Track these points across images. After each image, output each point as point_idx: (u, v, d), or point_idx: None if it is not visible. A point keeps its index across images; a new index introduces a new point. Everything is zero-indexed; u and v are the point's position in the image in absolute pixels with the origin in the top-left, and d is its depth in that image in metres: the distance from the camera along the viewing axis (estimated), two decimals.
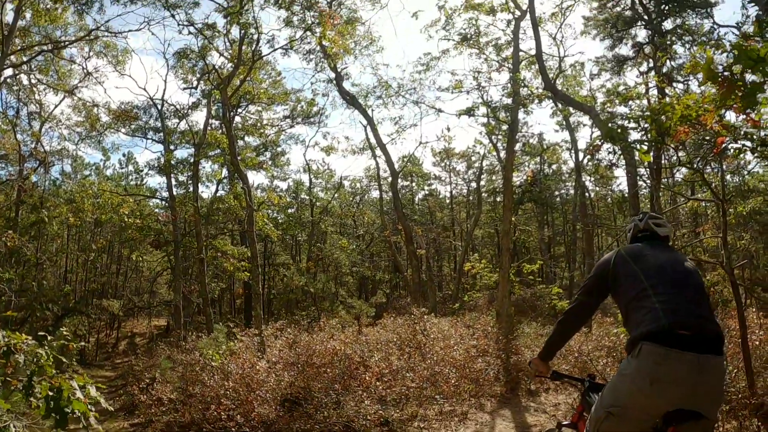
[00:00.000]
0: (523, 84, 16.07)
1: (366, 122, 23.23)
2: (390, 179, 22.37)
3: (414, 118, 33.23)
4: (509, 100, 17.76)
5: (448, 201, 46.78)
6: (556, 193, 44.55)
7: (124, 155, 38.03)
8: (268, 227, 20.49)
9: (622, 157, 11.37)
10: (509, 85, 18.65)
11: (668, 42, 21.78)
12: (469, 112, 17.46)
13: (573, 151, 26.57)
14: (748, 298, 16.55)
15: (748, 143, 6.04)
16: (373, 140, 23.64)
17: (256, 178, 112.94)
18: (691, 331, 3.06)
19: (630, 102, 11.29)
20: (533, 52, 16.31)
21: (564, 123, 31.36)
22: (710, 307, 3.32)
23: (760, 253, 23.37)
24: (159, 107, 25.87)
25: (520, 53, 17.65)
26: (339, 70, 21.79)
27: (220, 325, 16.57)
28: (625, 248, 3.67)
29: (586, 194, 44.04)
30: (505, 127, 17.32)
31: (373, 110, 23.98)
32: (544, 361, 4.01)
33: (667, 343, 3.03)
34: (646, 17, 22.57)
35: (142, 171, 36.59)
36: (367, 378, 9.48)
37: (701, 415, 3.00)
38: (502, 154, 21.50)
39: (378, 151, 24.84)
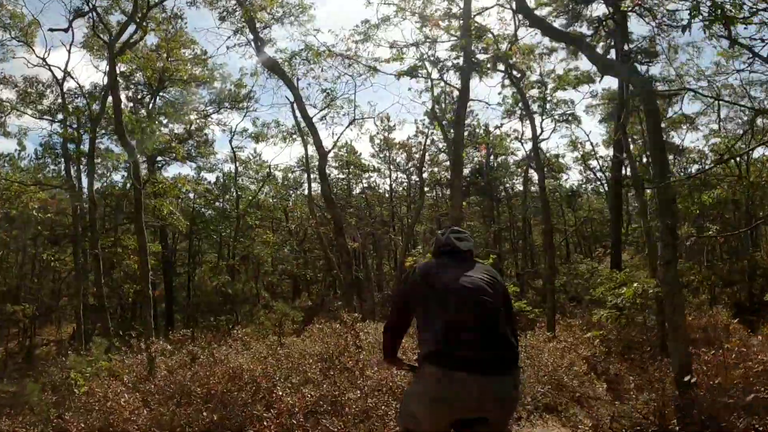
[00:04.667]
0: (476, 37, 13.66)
1: (292, 98, 20.61)
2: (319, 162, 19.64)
3: (346, 88, 29.54)
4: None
5: (387, 195, 44.33)
6: (499, 187, 42.87)
7: (41, 144, 34.17)
8: (175, 217, 17.53)
9: None
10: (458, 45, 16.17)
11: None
12: (412, 72, 15.04)
13: (529, 122, 24.30)
14: None
15: None
16: (300, 117, 21.01)
17: (182, 170, 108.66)
18: (472, 352, 3.28)
19: None
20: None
21: (518, 98, 29.35)
22: (502, 325, 3.45)
23: None
24: (60, 80, 22.95)
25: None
26: (259, 31, 18.93)
27: (99, 339, 13.60)
28: (420, 266, 3.93)
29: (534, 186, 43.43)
30: (455, 94, 14.87)
31: (299, 80, 21.13)
32: (392, 359, 4.08)
33: (446, 365, 3.29)
34: None
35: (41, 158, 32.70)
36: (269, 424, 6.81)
37: (487, 419, 3.34)
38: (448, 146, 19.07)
39: (308, 134, 22.32)
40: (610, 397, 10.20)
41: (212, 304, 23.02)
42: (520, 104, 32.40)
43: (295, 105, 20.96)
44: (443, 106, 24.12)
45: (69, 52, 22.40)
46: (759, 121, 30.27)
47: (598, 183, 43.14)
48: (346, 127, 24.68)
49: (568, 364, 10.72)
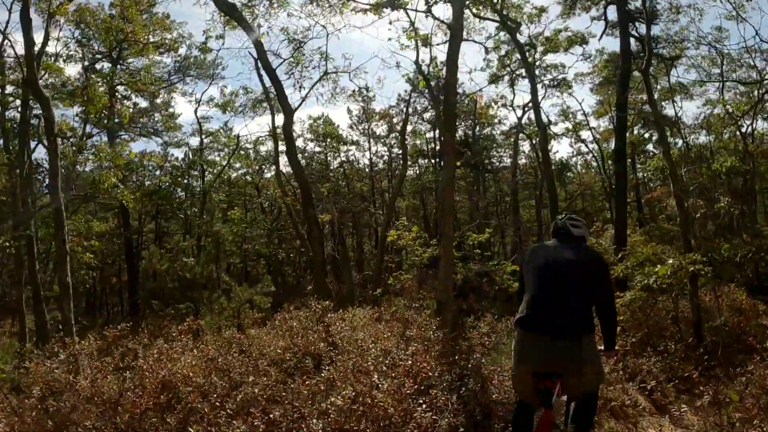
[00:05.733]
0: None
1: (256, 54, 18.31)
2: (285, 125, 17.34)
3: (315, 32, 26.24)
4: None
5: (368, 170, 42.22)
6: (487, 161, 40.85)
7: None
8: (119, 190, 15.20)
9: None
10: None
11: None
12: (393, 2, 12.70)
13: (529, 79, 22.16)
14: None
15: None
16: (262, 70, 18.67)
17: (148, 145, 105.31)
18: (546, 319, 4.25)
19: None
20: None
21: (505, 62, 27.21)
22: (578, 300, 4.32)
23: None
24: None
25: None
26: None
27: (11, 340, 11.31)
28: (533, 246, 5.15)
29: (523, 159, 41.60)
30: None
31: (260, 26, 18.69)
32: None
33: (527, 328, 4.37)
34: None
35: None
36: None
37: (562, 375, 4.21)
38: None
39: (274, 98, 19.96)
40: (651, 405, 8.35)
41: (171, 290, 20.75)
42: (508, 68, 30.62)
43: (259, 62, 18.74)
44: (430, 69, 21.81)
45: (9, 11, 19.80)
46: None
47: (590, 155, 41.49)
48: (317, 81, 22.02)
49: None
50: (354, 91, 23.75)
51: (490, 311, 13.57)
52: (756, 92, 26.52)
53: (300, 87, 21.45)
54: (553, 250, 4.64)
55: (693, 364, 9.88)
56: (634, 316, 11.57)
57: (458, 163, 36.75)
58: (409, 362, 7.02)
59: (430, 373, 6.81)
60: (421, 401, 5.92)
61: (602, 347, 4.74)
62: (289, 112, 17.18)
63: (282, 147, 24.00)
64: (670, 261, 10.58)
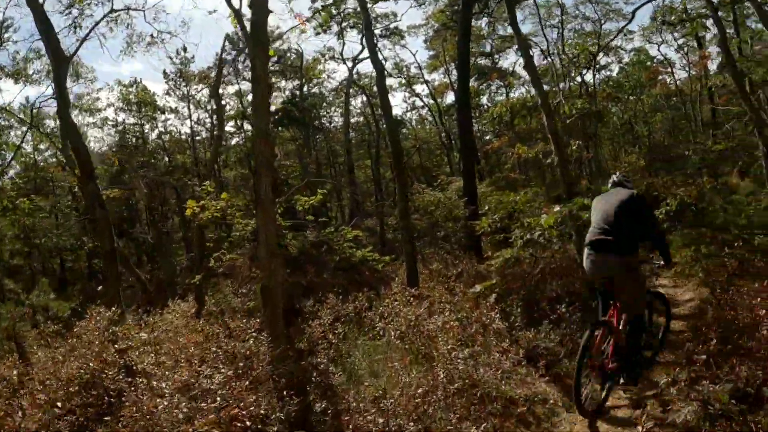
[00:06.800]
0: None
1: None
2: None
3: None
4: None
5: (189, 140, 38.39)
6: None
7: None
8: None
9: None
10: None
11: None
12: None
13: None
14: None
15: None
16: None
17: None
18: (595, 239, 5.90)
19: None
20: None
21: (332, 13, 24.52)
22: (619, 227, 5.79)
23: None
24: None
25: None
26: None
27: None
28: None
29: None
30: None
31: None
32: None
33: (588, 246, 5.99)
34: None
35: None
36: None
37: (613, 278, 5.87)
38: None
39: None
40: (564, 396, 6.35)
41: None
42: (337, 17, 28.10)
43: None
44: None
45: None
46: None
47: (426, 110, 40.24)
48: (101, 20, 17.46)
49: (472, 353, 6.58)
50: (153, 35, 19.79)
51: (333, 289, 11.15)
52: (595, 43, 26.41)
53: (76, 27, 16.73)
54: (605, 195, 6.32)
55: None
56: (515, 278, 9.54)
57: (284, 122, 34.08)
58: (218, 399, 4.32)
59: (254, 411, 4.13)
60: None
61: (662, 262, 6.24)
62: (62, 58, 13.45)
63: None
64: (557, 208, 8.54)
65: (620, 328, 5.84)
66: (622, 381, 5.88)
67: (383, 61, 27.16)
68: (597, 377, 5.87)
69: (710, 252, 10.72)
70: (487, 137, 39.07)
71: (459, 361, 6.08)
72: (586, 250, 6.02)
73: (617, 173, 6.66)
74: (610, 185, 6.49)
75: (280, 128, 35.25)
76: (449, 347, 6.46)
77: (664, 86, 35.09)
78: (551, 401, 6.25)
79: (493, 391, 5.90)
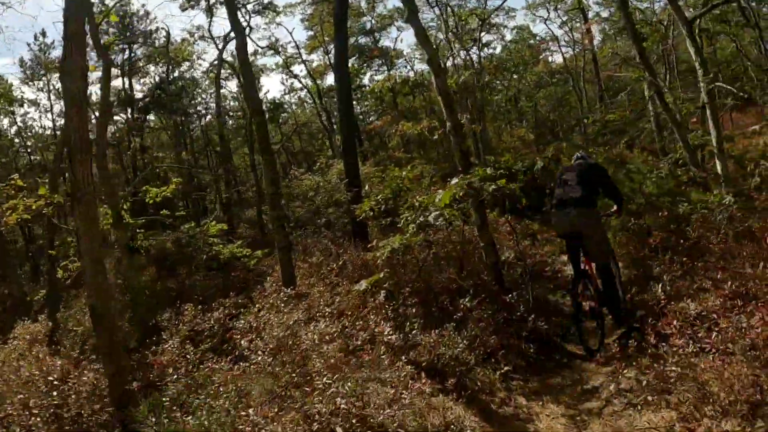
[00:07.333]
0: None
1: None
2: None
3: None
4: None
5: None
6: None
7: None
8: None
9: None
10: None
11: None
12: None
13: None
14: None
15: None
16: None
17: None
18: (560, 200, 6.81)
19: None
20: None
21: None
22: (578, 190, 6.66)
23: None
24: None
25: None
26: None
27: None
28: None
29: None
30: None
31: None
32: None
33: (559, 206, 6.82)
34: None
35: None
36: None
37: (580, 231, 6.64)
38: None
39: None
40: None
41: None
42: None
43: None
44: None
45: None
46: None
47: (305, 91, 38.23)
48: None
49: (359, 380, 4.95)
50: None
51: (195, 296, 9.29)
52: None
53: None
54: (569, 168, 7.17)
55: (510, 331, 6.50)
56: (408, 268, 7.97)
57: (152, 106, 31.20)
58: None
59: None
60: None
61: (614, 208, 7.23)
62: None
63: None
64: (455, 180, 6.95)
65: (594, 274, 6.71)
66: (611, 320, 6.72)
67: (246, 26, 25.24)
68: (591, 320, 6.69)
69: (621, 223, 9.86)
70: (371, 118, 37.62)
71: (340, 399, 4.37)
72: (553, 211, 6.96)
73: (580, 152, 7.72)
74: (574, 160, 7.41)
75: (149, 117, 32.49)
76: (326, 378, 4.74)
77: (547, 63, 34.95)
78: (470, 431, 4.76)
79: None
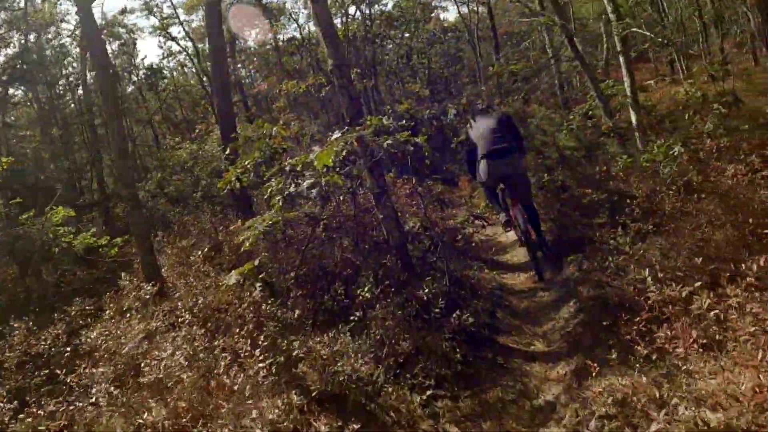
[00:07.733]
0: None
1: None
2: None
3: None
4: None
5: None
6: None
7: None
8: None
9: None
10: None
11: None
12: None
13: None
14: None
15: None
16: None
17: None
18: (497, 148, 6.91)
19: None
20: None
21: None
22: (507, 135, 7.06)
23: None
24: None
25: None
26: None
27: None
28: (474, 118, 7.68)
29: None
30: None
31: None
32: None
33: (488, 157, 6.94)
34: None
35: None
36: None
37: (511, 176, 6.93)
38: None
39: None
40: None
41: None
42: None
43: None
44: None
45: None
46: None
47: (183, 55, 35.38)
48: None
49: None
50: None
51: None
52: None
53: None
54: (485, 118, 7.41)
55: (425, 329, 5.02)
56: (289, 251, 6.36)
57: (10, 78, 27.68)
58: None
59: None
60: None
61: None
62: None
63: None
64: (336, 134, 5.23)
65: (522, 212, 7.06)
66: (544, 249, 7.27)
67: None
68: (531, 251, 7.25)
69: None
70: (259, 82, 35.37)
71: None
72: (485, 161, 6.99)
73: (480, 101, 8.70)
74: (478, 110, 7.77)
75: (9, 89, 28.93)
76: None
77: (438, 21, 33.92)
78: None
79: None
